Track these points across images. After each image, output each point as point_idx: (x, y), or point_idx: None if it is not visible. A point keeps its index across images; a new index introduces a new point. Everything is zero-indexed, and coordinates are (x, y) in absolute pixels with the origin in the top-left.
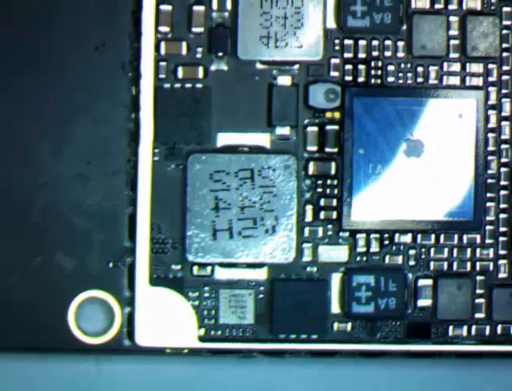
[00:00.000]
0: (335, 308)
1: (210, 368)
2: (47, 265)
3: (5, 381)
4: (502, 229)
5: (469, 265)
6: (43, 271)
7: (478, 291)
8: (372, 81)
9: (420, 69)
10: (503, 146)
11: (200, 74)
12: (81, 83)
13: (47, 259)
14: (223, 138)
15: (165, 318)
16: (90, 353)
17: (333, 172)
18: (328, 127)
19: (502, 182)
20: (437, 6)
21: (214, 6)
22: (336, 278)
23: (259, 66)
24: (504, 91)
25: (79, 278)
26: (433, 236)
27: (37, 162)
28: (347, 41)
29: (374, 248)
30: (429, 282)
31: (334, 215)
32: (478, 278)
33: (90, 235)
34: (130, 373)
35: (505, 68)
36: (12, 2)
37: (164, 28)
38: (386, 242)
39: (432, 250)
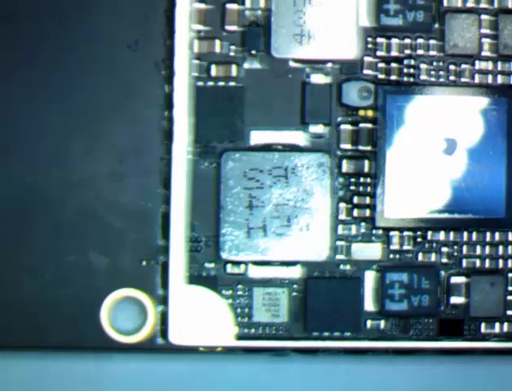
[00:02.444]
0: (368, 306)
1: (244, 366)
2: (80, 263)
3: (39, 380)
4: None
5: (501, 262)
6: (76, 270)
7: (511, 288)
8: (405, 79)
9: (452, 67)
10: None
11: (234, 72)
12: (114, 81)
13: (80, 258)
14: (257, 136)
15: (198, 316)
16: (123, 351)
17: (366, 170)
18: (362, 125)
19: None
20: (469, 5)
21: (248, 4)
22: (369, 276)
23: (293, 64)
24: None
25: (112, 277)
26: (465, 234)
27: (71, 161)
28: (380, 40)
29: (407, 245)
30: (461, 279)
31: (368, 213)
32: (511, 275)
33: (124, 234)
34: (163, 372)
35: None
36: (45, 2)
37: (198, 27)
38: (420, 239)
39: (465, 247)
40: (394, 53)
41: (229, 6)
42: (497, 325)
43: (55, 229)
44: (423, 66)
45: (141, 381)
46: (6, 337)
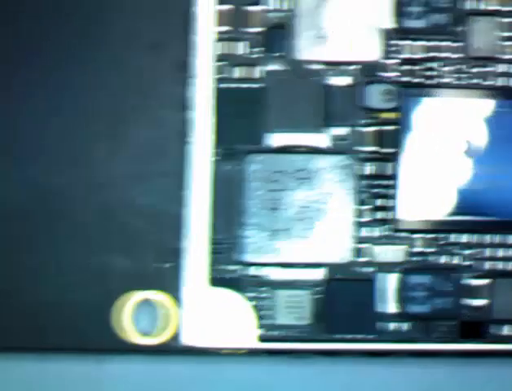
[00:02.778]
0: (391, 308)
1: (266, 369)
2: (101, 265)
3: (60, 382)
4: None
5: None
6: (97, 272)
7: None
8: (427, 81)
9: (475, 70)
10: None
11: (257, 74)
12: (135, 83)
13: (101, 260)
14: (280, 139)
15: (221, 318)
16: (144, 354)
17: (388, 172)
18: (385, 127)
19: None
20: (491, 7)
21: (271, 6)
22: (392, 279)
23: (316, 66)
24: None
25: (134, 279)
26: (487, 236)
27: (92, 162)
28: (403, 42)
29: (430, 248)
30: (484, 282)
31: (390, 215)
32: None
33: (145, 236)
34: (184, 374)
35: None
36: (66, 2)
37: (220, 28)
38: (442, 242)
39: (487, 250)
40: (417, 55)
41: (252, 8)
42: None
43: (76, 230)
44: (445, 68)
45: (162, 383)
46: (23, 339)
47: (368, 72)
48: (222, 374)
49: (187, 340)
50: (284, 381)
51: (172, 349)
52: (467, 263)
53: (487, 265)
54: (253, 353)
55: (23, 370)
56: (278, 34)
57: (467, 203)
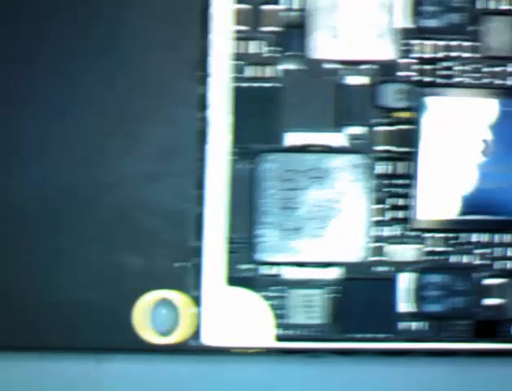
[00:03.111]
0: (404, 307)
1: (281, 368)
2: (116, 265)
3: (72, 382)
4: None
5: None
6: (111, 271)
7: None
8: (441, 80)
9: (488, 69)
10: None
11: (271, 73)
12: (150, 82)
13: (116, 259)
14: (293, 138)
15: (237, 317)
16: (158, 353)
17: (401, 171)
18: (399, 126)
19: None
20: (504, 7)
21: (286, 5)
22: (405, 278)
23: (330, 65)
24: None
25: (147, 278)
26: (500, 235)
27: (106, 161)
28: (418, 41)
29: (443, 247)
30: (497, 281)
31: (404, 214)
32: None
33: (160, 235)
34: (198, 373)
35: None
36: (80, 2)
37: (235, 27)
38: (455, 241)
39: (502, 249)
40: (431, 55)
41: (267, 7)
42: None
43: (89, 230)
44: (460, 68)
45: (176, 382)
46: (38, 338)
47: (384, 72)
48: (239, 373)
49: (203, 339)
50: (299, 380)
51: (188, 349)
52: (482, 262)
53: (502, 264)
54: (269, 352)
55: (39, 369)
56: (294, 33)
57: (482, 202)
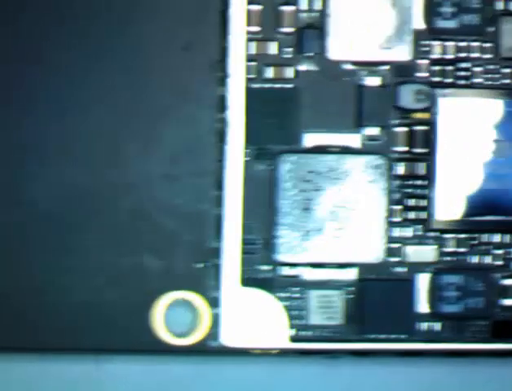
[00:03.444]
0: (423, 308)
1: (299, 369)
2: (134, 266)
3: (91, 383)
4: None
5: None
6: (130, 272)
7: None
8: (459, 81)
9: (506, 71)
10: None
11: (290, 74)
12: (168, 83)
13: (134, 260)
14: (313, 139)
15: (253, 318)
16: (176, 354)
17: (421, 172)
18: (417, 127)
19: None
20: None
21: (304, 6)
22: (424, 278)
23: (348, 66)
24: None
25: (166, 279)
26: None
27: (125, 162)
28: (435, 42)
29: (462, 247)
30: None
31: (423, 215)
32: None
33: (178, 236)
34: (217, 374)
35: None
36: (97, 3)
37: (253, 28)
38: (474, 242)
39: None
40: (449, 56)
41: (285, 7)
42: None
43: (108, 231)
44: (478, 69)
45: (194, 383)
46: (58, 340)
47: (400, 73)
48: (254, 374)
49: (220, 340)
50: (315, 381)
51: (204, 350)
52: (499, 263)
53: None
54: (287, 353)
55: (59, 369)
56: (313, 34)
57: (499, 203)
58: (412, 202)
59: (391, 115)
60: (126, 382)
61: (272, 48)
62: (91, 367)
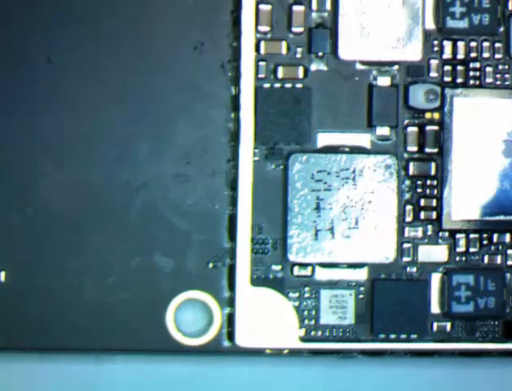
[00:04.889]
0: (435, 307)
1: (311, 368)
2: (146, 265)
3: (102, 383)
4: None
5: None
6: (142, 272)
7: None
8: (471, 81)
9: None
10: None
11: (300, 74)
12: (180, 83)
13: (146, 260)
14: (323, 138)
15: (265, 318)
16: (188, 354)
17: (432, 172)
18: (428, 127)
19: None
20: None
21: (314, 5)
22: (436, 278)
23: (359, 66)
24: None
25: (178, 279)
26: None
27: (137, 162)
28: (446, 42)
29: (473, 247)
30: None
31: (434, 215)
32: None
33: (190, 236)
34: (229, 374)
35: None
36: (109, 3)
37: (263, 28)
38: (485, 242)
39: None
40: (460, 56)
41: (295, 7)
42: None
43: (120, 231)
44: (489, 69)
45: (206, 383)
46: (70, 340)
47: (411, 73)
48: (266, 374)
49: (231, 340)
50: (326, 381)
51: (216, 349)
52: (510, 263)
53: None
54: (295, 353)
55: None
56: (322, 34)
57: (510, 202)
58: (423, 202)
59: (403, 115)
60: (139, 382)
61: (283, 48)
62: (104, 367)
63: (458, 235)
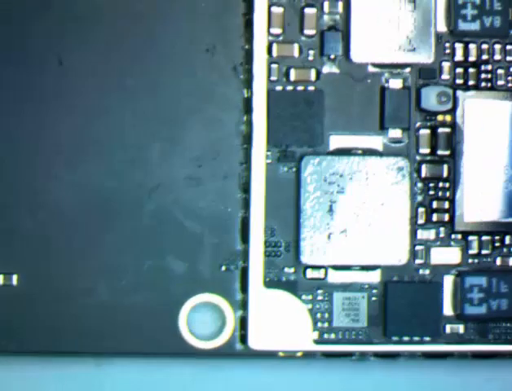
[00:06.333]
0: (447, 310)
1: (324, 371)
2: (158, 268)
3: (115, 386)
4: None
5: None
6: (154, 275)
7: None
8: (483, 84)
9: None
10: None
11: (313, 76)
12: (192, 85)
13: (158, 263)
14: (336, 141)
15: (278, 321)
16: (201, 357)
17: (445, 174)
18: (440, 130)
19: None
20: None
21: (326, 8)
22: (448, 280)
23: (371, 69)
24: None
25: (191, 282)
26: None
27: (149, 165)
28: (458, 45)
29: (486, 249)
30: None
31: (446, 217)
32: None
33: (202, 239)
34: (242, 377)
35: None
36: (121, 5)
37: (276, 31)
38: (498, 244)
39: None
40: (471, 58)
41: (307, 10)
42: None
43: (132, 233)
44: (500, 71)
45: (219, 385)
46: (82, 343)
47: (423, 75)
48: (280, 377)
49: (244, 343)
50: (339, 383)
51: (229, 352)
52: None
53: None
54: (308, 355)
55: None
56: (334, 37)
57: None
58: (435, 204)
59: (415, 117)
60: (152, 385)
61: (295, 50)
62: (117, 370)
63: (471, 237)
